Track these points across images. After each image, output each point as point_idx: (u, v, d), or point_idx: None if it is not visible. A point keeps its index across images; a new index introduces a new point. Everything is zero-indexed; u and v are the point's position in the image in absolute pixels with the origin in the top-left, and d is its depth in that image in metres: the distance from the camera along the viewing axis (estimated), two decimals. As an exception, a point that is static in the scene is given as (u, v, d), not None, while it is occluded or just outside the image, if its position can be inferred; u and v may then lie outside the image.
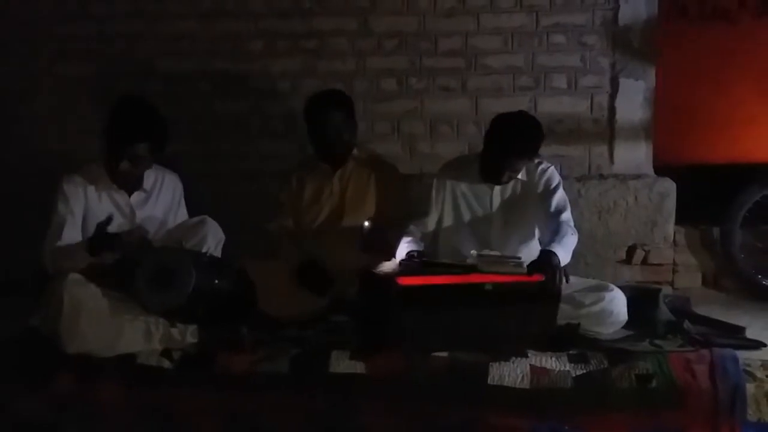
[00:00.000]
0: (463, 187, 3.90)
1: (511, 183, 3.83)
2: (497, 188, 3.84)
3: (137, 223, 3.63)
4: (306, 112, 4.00)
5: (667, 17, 4.75)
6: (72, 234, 3.51)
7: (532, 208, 3.82)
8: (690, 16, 5.03)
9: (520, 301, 3.33)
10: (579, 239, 3.67)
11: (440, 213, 3.92)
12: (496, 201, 3.85)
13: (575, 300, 3.52)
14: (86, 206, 3.56)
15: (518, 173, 3.78)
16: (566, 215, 3.72)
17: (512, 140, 3.67)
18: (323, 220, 4.04)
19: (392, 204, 3.99)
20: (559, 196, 3.79)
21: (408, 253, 3.57)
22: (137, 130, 3.51)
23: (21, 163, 4.79)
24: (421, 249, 3.69)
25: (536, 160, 3.85)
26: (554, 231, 3.61)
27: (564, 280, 3.35)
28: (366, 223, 3.70)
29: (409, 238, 3.73)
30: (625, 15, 4.60)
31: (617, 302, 3.57)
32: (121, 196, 3.64)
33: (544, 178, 3.83)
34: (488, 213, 3.86)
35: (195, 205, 3.92)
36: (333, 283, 3.83)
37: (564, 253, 3.47)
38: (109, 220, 3.41)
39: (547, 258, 3.41)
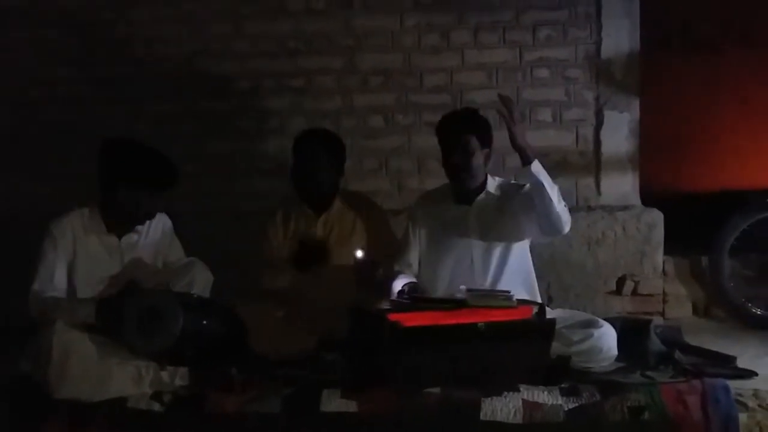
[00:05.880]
0: (437, 213, 3.88)
1: (486, 201, 3.81)
2: (473, 209, 3.81)
3: (125, 265, 3.61)
4: (293, 147, 4.00)
5: (651, 49, 4.79)
6: (60, 281, 3.49)
7: (510, 222, 3.77)
8: (673, 47, 5.08)
9: (512, 339, 3.31)
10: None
11: (419, 243, 3.91)
12: (473, 222, 3.81)
13: (564, 336, 3.49)
14: (74, 250, 3.53)
15: (472, 156, 3.72)
16: None
17: (445, 128, 3.81)
18: None
19: (382, 243, 3.97)
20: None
21: (399, 291, 3.58)
22: (166, 169, 3.58)
23: (7, 208, 4.78)
24: (414, 281, 3.71)
25: (512, 181, 3.88)
26: None
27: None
28: (359, 253, 3.69)
29: (402, 274, 3.74)
30: (608, 48, 4.65)
31: (606, 338, 3.53)
32: (111, 240, 3.61)
33: (515, 187, 3.80)
34: (466, 235, 3.82)
35: (183, 244, 3.91)
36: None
37: (546, 179, 3.52)
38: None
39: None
